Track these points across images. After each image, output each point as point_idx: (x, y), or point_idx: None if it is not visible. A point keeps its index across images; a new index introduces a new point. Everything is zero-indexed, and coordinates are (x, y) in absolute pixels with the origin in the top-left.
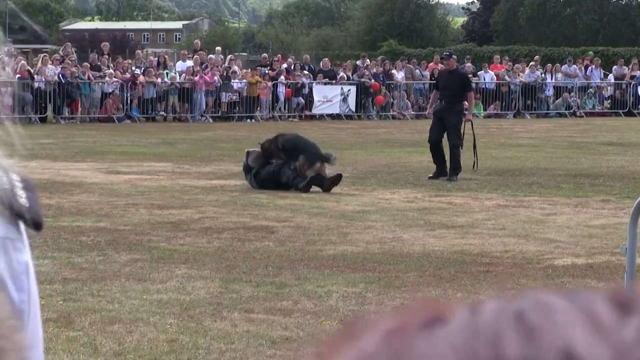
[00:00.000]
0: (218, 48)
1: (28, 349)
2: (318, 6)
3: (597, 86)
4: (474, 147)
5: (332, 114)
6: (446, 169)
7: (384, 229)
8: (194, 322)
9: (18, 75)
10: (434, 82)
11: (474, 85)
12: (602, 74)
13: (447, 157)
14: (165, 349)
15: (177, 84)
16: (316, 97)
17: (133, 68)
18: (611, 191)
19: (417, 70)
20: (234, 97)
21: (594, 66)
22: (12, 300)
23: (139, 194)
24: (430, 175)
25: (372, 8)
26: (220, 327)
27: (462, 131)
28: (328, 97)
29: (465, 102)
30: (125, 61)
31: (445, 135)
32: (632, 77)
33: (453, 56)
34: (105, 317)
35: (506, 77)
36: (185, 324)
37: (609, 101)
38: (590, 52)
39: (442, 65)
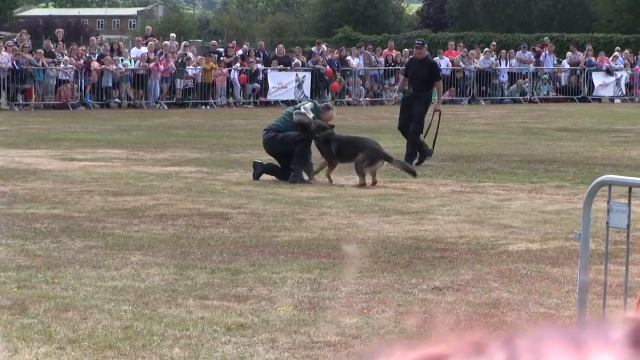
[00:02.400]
0: (173, 35)
1: None
2: None
3: (551, 72)
4: (436, 136)
5: (288, 100)
6: (423, 152)
7: (339, 215)
8: (148, 309)
9: None
10: (404, 68)
11: None
12: (555, 60)
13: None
14: (119, 335)
15: (131, 71)
16: (271, 83)
17: (87, 55)
18: (565, 177)
19: (373, 57)
20: (189, 83)
21: (547, 52)
22: None
23: (94, 180)
24: (416, 161)
25: None
26: (175, 314)
27: (427, 120)
28: (283, 84)
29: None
30: (80, 48)
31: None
32: (587, 63)
33: (425, 45)
34: (59, 304)
35: (461, 64)
36: (140, 311)
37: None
38: (546, 38)
39: (404, 52)
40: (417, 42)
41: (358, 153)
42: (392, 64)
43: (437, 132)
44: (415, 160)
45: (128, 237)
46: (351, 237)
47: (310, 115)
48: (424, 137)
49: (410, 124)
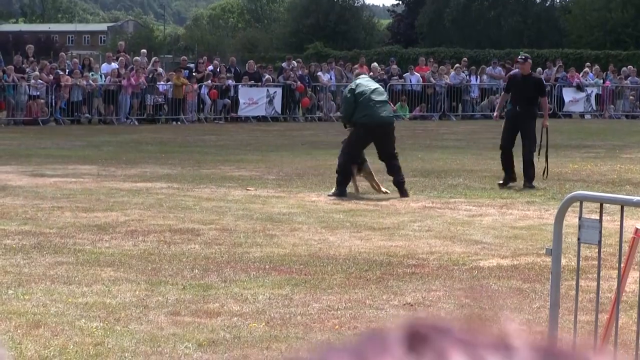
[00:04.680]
0: (143, 50)
1: None
2: (243, 8)
3: None
4: (546, 153)
5: (258, 116)
6: (515, 174)
7: (310, 230)
8: (120, 325)
9: None
10: (505, 84)
11: (400, 87)
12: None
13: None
14: (91, 352)
15: (102, 87)
16: (242, 99)
17: (57, 70)
18: (536, 192)
19: (344, 72)
20: (160, 99)
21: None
22: None
23: (64, 196)
24: (500, 182)
25: (298, 10)
26: (146, 330)
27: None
28: (254, 99)
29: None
30: (51, 64)
31: (515, 141)
32: (557, 79)
33: (529, 60)
34: (30, 320)
35: (432, 79)
36: (111, 327)
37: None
38: (521, 53)
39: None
40: (520, 57)
41: None
42: None
43: (547, 149)
44: (500, 181)
45: (99, 253)
46: (322, 253)
47: None
48: (538, 154)
49: (524, 144)
